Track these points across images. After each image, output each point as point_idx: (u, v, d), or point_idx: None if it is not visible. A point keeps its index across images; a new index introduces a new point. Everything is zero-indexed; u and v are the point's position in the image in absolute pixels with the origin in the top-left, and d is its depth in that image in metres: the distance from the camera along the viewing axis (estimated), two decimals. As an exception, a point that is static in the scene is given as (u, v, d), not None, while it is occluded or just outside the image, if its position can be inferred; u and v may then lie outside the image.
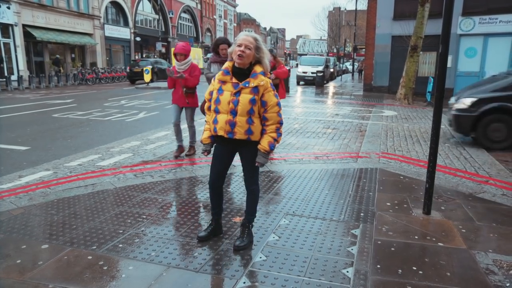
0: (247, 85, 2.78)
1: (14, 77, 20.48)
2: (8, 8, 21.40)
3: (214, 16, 54.19)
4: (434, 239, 3.26)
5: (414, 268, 2.79)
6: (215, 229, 3.22)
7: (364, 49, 29.42)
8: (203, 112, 5.39)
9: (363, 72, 31.64)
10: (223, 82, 2.87)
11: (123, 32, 33.35)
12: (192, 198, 4.21)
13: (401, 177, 4.99)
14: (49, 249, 3.01)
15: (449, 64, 15.01)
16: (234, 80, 2.83)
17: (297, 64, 37.77)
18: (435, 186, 4.04)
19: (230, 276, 2.66)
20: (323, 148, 6.76)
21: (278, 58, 6.64)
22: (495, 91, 7.09)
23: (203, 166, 5.46)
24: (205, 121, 3.06)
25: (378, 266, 2.82)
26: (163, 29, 39.05)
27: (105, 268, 2.75)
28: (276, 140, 2.88)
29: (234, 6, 64.84)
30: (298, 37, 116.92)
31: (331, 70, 30.53)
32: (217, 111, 2.87)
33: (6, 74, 20.39)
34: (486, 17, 15.83)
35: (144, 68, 21.79)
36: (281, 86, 6.15)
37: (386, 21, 17.79)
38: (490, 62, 16.06)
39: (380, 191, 4.46)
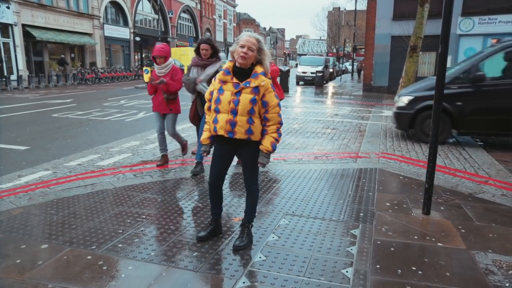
0: (248, 85, 2.79)
1: (13, 77, 20.49)
2: (8, 7, 21.39)
3: (214, 16, 54.14)
4: (433, 239, 3.26)
5: (414, 268, 2.79)
6: (214, 229, 3.22)
7: (363, 49, 29.41)
8: (193, 122, 5.12)
9: (362, 72, 31.66)
10: (224, 82, 2.87)
11: (123, 32, 33.33)
12: (192, 198, 4.20)
13: (401, 177, 5.00)
14: (48, 249, 3.01)
15: (448, 64, 15.00)
16: (235, 80, 2.83)
17: (296, 64, 37.77)
18: (435, 186, 4.04)
19: (230, 276, 2.66)
20: (322, 148, 6.76)
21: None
22: (429, 90, 7.34)
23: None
24: (205, 121, 3.07)
25: (378, 266, 2.82)
26: (163, 29, 39.03)
27: (105, 268, 2.74)
28: (277, 140, 2.89)
29: (234, 6, 64.81)
30: (298, 37, 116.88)
31: (331, 70, 30.55)
32: (217, 111, 2.87)
33: (5, 74, 20.39)
34: (485, 17, 15.86)
35: (144, 68, 21.77)
36: (276, 85, 6.00)
37: (385, 21, 17.81)
38: (489, 62, 16.06)
39: (380, 191, 4.46)
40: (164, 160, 5.53)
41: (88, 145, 6.91)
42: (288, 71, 19.21)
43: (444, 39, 3.47)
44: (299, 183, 4.70)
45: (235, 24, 65.55)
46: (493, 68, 7.00)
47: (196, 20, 47.97)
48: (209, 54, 4.80)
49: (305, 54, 67.78)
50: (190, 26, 47.79)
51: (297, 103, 14.23)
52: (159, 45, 5.14)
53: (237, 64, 2.84)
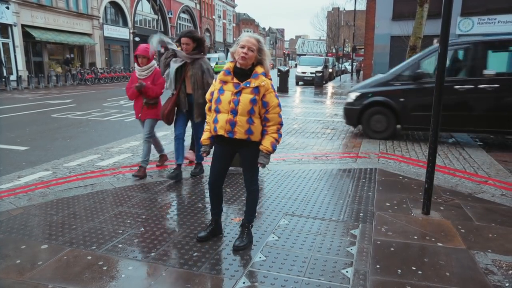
0: (248, 85, 2.79)
1: (13, 77, 20.49)
2: (7, 8, 21.38)
3: (213, 16, 54.16)
4: (433, 239, 3.26)
5: (414, 268, 2.80)
6: (214, 229, 3.22)
7: (363, 49, 29.44)
8: (166, 119, 4.69)
9: (360, 72, 31.66)
10: (224, 82, 2.88)
11: (122, 32, 33.32)
12: (192, 198, 4.21)
13: (400, 177, 5.00)
14: (48, 249, 3.01)
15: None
16: (235, 80, 2.84)
17: (296, 65, 37.79)
18: (434, 186, 4.05)
19: (230, 276, 2.67)
20: (322, 148, 6.76)
21: None
22: (375, 86, 7.63)
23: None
24: (206, 122, 3.07)
25: (378, 266, 2.82)
26: (162, 29, 39.01)
27: (105, 268, 2.74)
28: (277, 141, 2.89)
29: (233, 6, 64.83)
30: (297, 37, 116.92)
31: (330, 70, 30.53)
32: (217, 111, 2.87)
33: (5, 74, 20.38)
34: (485, 17, 15.89)
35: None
36: None
37: (385, 21, 17.84)
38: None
39: (379, 191, 4.46)
40: (163, 160, 5.53)
41: (87, 145, 6.90)
42: (288, 71, 19.21)
43: (443, 39, 3.48)
44: (299, 183, 4.70)
45: (234, 24, 65.58)
46: (433, 66, 7.09)
47: (195, 20, 47.99)
48: (190, 48, 4.45)
49: (305, 54, 67.78)
50: (190, 27, 47.76)
51: (296, 103, 14.23)
52: (143, 44, 4.76)
53: (237, 65, 2.85)
